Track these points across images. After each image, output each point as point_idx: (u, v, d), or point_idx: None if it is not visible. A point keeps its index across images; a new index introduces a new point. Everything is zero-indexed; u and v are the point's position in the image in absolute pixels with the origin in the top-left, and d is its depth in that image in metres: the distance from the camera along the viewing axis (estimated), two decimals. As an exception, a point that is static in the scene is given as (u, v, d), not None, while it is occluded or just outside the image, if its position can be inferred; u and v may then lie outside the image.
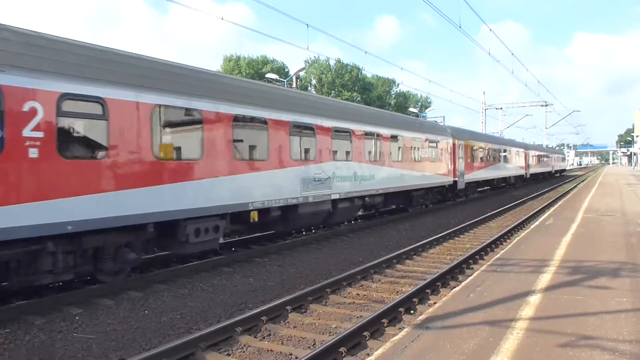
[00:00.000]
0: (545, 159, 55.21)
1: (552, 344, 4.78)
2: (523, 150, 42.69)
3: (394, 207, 20.48)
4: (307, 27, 24.50)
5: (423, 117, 54.84)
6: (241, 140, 11.06)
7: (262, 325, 6.84)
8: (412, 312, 7.46)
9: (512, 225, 16.06)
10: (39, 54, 7.37)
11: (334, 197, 14.07)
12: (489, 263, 8.98)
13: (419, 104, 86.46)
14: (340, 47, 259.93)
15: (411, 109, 68.01)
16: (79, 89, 7.70)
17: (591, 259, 8.69)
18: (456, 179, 24.35)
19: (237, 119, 10.77)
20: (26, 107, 6.98)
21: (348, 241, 14.17)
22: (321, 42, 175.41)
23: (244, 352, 6.07)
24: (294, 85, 37.98)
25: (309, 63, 71.36)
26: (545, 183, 47.51)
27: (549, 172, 58.20)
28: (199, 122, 9.90)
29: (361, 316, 7.15)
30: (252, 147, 11.50)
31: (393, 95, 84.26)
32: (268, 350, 6.06)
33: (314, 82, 73.49)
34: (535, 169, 48.06)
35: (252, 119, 11.39)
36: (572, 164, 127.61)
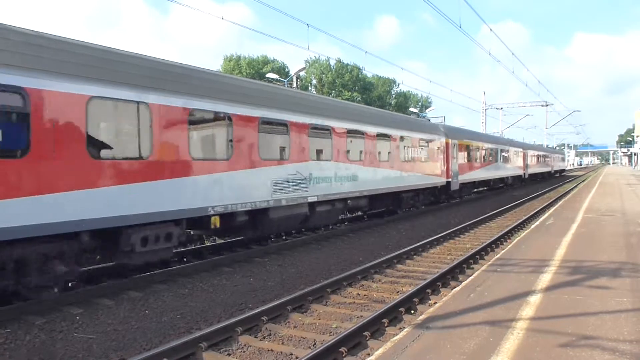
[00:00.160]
0: (544, 158, 54.64)
1: (552, 344, 4.78)
2: (521, 150, 42.03)
3: (383, 209, 19.42)
4: (307, 27, 24.44)
5: (423, 117, 54.81)
6: (199, 138, 10.06)
7: (263, 325, 6.84)
8: (412, 312, 7.46)
9: (513, 225, 16.06)
10: None
11: (311, 199, 13.09)
12: (490, 263, 8.98)
13: (420, 104, 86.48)
14: (341, 47, 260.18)
15: (411, 109, 68.01)
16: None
17: (591, 259, 8.69)
18: (449, 179, 23.39)
19: (194, 113, 9.73)
20: None
21: (348, 241, 14.17)
22: (321, 42, 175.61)
23: (244, 352, 6.07)
24: (294, 85, 38.00)
25: (309, 63, 71.43)
26: (545, 183, 47.47)
27: (549, 173, 57.67)
28: (147, 115, 8.74)
29: (362, 316, 7.15)
30: (213, 146, 10.46)
31: (393, 95, 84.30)
32: (268, 350, 6.06)
33: (314, 82, 73.52)
34: (534, 169, 47.38)
35: (214, 114, 10.32)
36: (572, 164, 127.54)
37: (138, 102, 8.57)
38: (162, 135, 9.00)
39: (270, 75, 41.55)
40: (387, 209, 19.33)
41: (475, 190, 31.61)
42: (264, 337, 6.56)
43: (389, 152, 17.64)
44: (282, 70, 63.65)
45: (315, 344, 6.20)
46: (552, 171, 60.45)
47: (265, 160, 11.46)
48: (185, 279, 9.53)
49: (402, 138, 18.70)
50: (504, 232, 14.62)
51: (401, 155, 18.60)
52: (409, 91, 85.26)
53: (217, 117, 10.41)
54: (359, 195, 15.62)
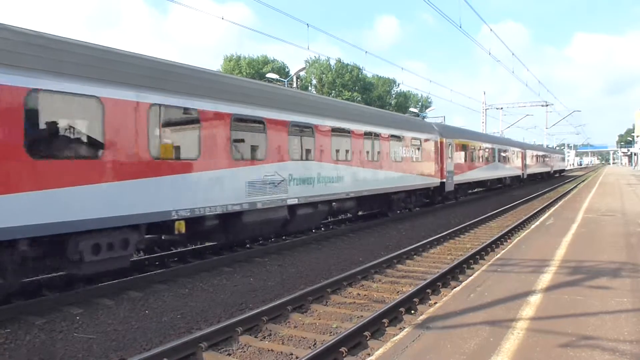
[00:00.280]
0: (543, 158, 54.03)
1: (552, 344, 4.78)
2: (520, 149, 41.31)
3: (372, 212, 18.86)
4: (307, 27, 24.45)
5: (424, 117, 54.81)
6: (161, 136, 9.18)
7: (263, 325, 6.84)
8: (412, 312, 7.46)
9: (513, 226, 16.07)
10: None
11: (291, 202, 12.26)
12: (490, 263, 8.98)
13: (420, 104, 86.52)
14: (341, 47, 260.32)
15: (412, 109, 68.04)
16: None
17: (591, 259, 8.69)
18: (444, 180, 22.57)
19: (155, 108, 8.84)
20: None
21: (348, 241, 14.17)
22: (321, 42, 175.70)
23: (244, 352, 6.07)
24: (294, 85, 37.98)
25: (309, 63, 71.45)
26: (545, 183, 47.44)
27: (548, 173, 57.07)
28: (99, 110, 7.85)
29: (362, 316, 7.15)
30: (177, 144, 9.61)
31: (393, 95, 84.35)
32: (269, 350, 6.06)
33: (314, 82, 73.55)
34: (533, 169, 46.61)
35: (178, 110, 9.47)
36: (572, 164, 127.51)
37: (86, 95, 7.70)
38: (115, 132, 8.10)
39: (270, 75, 41.57)
40: (377, 211, 18.70)
41: (472, 191, 30.92)
42: (264, 337, 6.56)
43: (377, 152, 16.88)
44: (282, 70, 63.68)
45: (315, 344, 6.20)
46: (552, 171, 59.89)
47: (238, 160, 10.70)
48: (186, 279, 9.53)
49: (392, 137, 17.91)
50: (504, 232, 14.62)
51: (391, 154, 17.82)
52: (409, 91, 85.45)
53: (183, 113, 9.61)
54: (345, 197, 14.84)
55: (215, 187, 10.11)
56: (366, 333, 6.21)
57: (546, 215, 16.76)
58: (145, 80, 8.81)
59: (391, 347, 4.83)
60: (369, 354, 5.68)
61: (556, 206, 20.06)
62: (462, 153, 25.96)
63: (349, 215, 17.82)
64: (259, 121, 11.42)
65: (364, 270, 9.80)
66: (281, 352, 5.97)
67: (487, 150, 30.81)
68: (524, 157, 41.93)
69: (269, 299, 8.16)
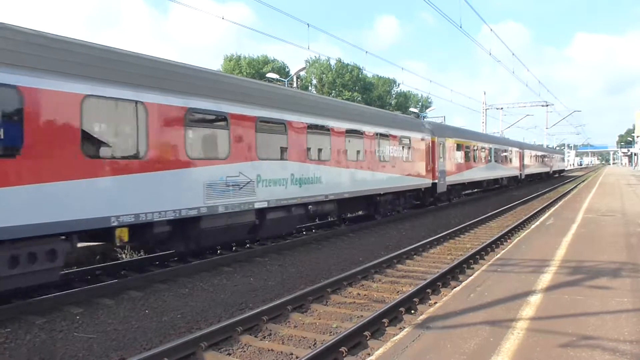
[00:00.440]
0: (542, 158, 53.18)
1: (552, 344, 4.78)
2: (518, 149, 40.30)
3: (356, 214, 18.17)
4: (307, 26, 24.37)
5: (424, 117, 54.81)
6: (98, 132, 8.09)
7: (263, 325, 6.85)
8: (412, 311, 7.46)
9: (513, 226, 16.07)
10: None
11: (259, 205, 11.25)
12: (490, 263, 8.98)
13: (420, 104, 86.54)
14: (341, 47, 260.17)
15: (412, 109, 68.06)
16: None
17: (592, 259, 8.70)
18: (435, 180, 21.56)
19: (90, 99, 7.76)
20: None
21: (348, 241, 14.18)
22: (322, 42, 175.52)
23: (244, 351, 6.08)
24: (295, 85, 37.97)
25: (309, 63, 71.45)
26: (545, 183, 47.39)
27: (547, 173, 56.19)
28: (19, 102, 6.92)
29: (362, 316, 7.15)
30: (118, 142, 8.51)
31: (394, 95, 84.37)
32: (269, 350, 6.06)
33: (314, 82, 73.57)
34: (531, 170, 45.65)
35: (120, 102, 8.32)
36: (572, 164, 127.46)
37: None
38: (37, 126, 7.07)
39: (270, 75, 41.57)
40: (362, 214, 17.97)
41: (467, 192, 29.90)
42: (265, 337, 6.56)
43: (361, 151, 15.84)
44: (282, 70, 63.69)
45: (315, 343, 6.21)
46: (551, 172, 59.16)
47: (194, 159, 9.63)
48: (186, 278, 9.53)
49: (378, 135, 16.84)
50: (504, 232, 14.62)
51: (377, 154, 16.76)
52: (409, 91, 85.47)
53: (126, 107, 8.47)
54: (324, 200, 13.78)
55: (167, 190, 9.03)
56: (366, 333, 6.21)
57: (546, 215, 16.77)
58: (84, 70, 7.82)
59: (391, 347, 4.84)
60: (369, 354, 5.68)
61: (556, 206, 20.07)
62: (456, 152, 25.06)
63: (331, 219, 16.90)
64: (222, 116, 10.39)
65: (364, 270, 9.81)
66: (281, 352, 5.97)
67: (482, 149, 29.90)
68: (521, 157, 41.04)
69: (269, 299, 8.16)
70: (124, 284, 8.82)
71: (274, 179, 11.78)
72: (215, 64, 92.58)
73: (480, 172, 29.25)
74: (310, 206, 13.42)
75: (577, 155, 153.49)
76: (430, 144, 21.48)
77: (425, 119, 42.59)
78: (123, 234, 8.52)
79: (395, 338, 5.16)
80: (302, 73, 56.19)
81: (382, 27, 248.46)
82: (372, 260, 10.79)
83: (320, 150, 13.87)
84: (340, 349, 5.69)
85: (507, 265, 8.53)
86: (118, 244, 8.90)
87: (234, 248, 12.50)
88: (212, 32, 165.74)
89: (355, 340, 6.08)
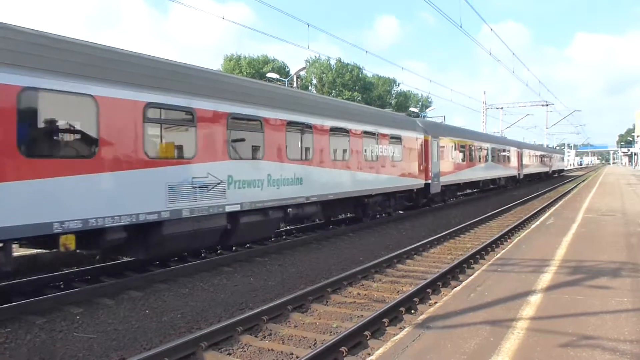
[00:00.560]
0: (541, 158, 52.49)
1: (553, 343, 4.78)
2: (516, 148, 39.34)
3: (343, 217, 17.33)
4: (307, 26, 24.36)
5: (424, 116, 54.82)
6: (38, 128, 7.41)
7: (263, 325, 6.85)
8: (413, 311, 7.46)
9: (513, 225, 16.07)
10: None
11: (231, 209, 10.41)
12: (490, 263, 8.98)
13: (420, 103, 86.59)
14: (341, 46, 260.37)
15: (412, 109, 68.07)
16: None
17: (592, 258, 8.69)
18: (429, 181, 20.69)
19: (28, 93, 7.05)
20: None
21: (349, 241, 14.17)
22: (322, 41, 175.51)
23: (244, 351, 6.08)
24: (295, 84, 37.97)
25: (309, 63, 71.49)
26: (545, 183, 47.36)
27: (546, 173, 55.49)
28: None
29: (362, 316, 7.15)
30: (63, 140, 7.95)
31: (394, 95, 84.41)
32: (269, 350, 6.06)
33: (314, 81, 73.60)
34: (530, 169, 44.79)
35: (67, 95, 7.56)
36: (572, 164, 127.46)
37: None
38: None
39: (270, 74, 41.60)
40: (349, 216, 17.22)
41: (462, 193, 29.05)
42: (265, 337, 6.56)
43: (347, 150, 15.05)
44: (282, 70, 63.74)
45: (315, 343, 6.21)
46: (550, 171, 58.56)
47: (155, 158, 8.86)
48: (186, 278, 9.53)
49: (365, 133, 15.95)
50: (504, 231, 14.62)
51: (365, 153, 15.90)
52: (409, 91, 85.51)
53: (72, 101, 7.73)
54: (305, 202, 12.96)
55: (122, 193, 8.24)
56: (366, 333, 6.21)
57: (546, 215, 16.77)
58: (17, 58, 7.06)
59: (391, 347, 4.84)
60: (369, 354, 5.68)
61: (556, 206, 20.07)
62: (451, 152, 24.18)
63: (316, 221, 16.01)
64: (188, 112, 9.61)
65: (364, 270, 9.81)
66: (281, 352, 5.97)
67: (479, 149, 29.06)
68: (520, 157, 40.29)
69: (269, 299, 8.16)
70: (124, 284, 8.81)
71: (247, 180, 10.94)
72: (215, 63, 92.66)
73: (476, 172, 28.42)
74: (289, 209, 12.52)
75: (577, 155, 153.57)
76: (423, 143, 20.77)
77: (425, 119, 42.55)
78: (69, 241, 7.68)
79: (395, 338, 5.16)
80: (302, 73, 56.19)
81: (382, 26, 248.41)
82: (373, 260, 10.79)
83: (300, 149, 13.10)
84: (340, 349, 5.69)
85: (507, 265, 8.53)
86: (63, 251, 8.09)
87: (233, 248, 12.49)
88: (212, 32, 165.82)
89: (356, 340, 6.08)
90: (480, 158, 29.23)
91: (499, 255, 9.68)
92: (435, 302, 7.15)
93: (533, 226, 13.93)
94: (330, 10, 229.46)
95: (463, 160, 26.02)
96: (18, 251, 9.18)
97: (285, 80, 40.68)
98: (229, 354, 5.99)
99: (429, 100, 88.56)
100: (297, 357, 5.77)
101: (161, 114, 9.20)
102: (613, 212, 15.87)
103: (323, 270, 10.39)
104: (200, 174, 9.68)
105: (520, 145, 41.92)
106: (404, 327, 6.13)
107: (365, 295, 8.47)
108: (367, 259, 11.29)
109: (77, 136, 8.03)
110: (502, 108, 65.04)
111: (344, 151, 15.03)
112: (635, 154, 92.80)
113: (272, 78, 38.37)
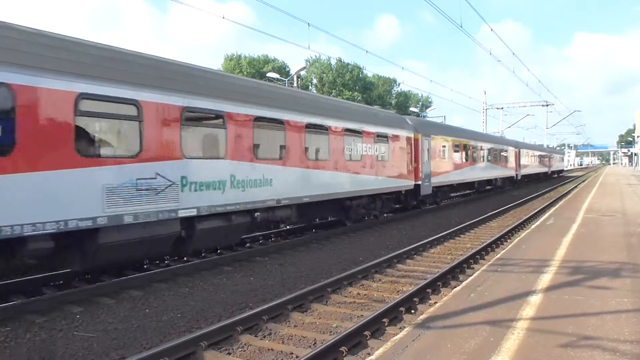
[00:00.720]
0: (540, 158, 51.72)
1: (553, 343, 4.78)
2: (513, 148, 38.37)
3: (324, 221, 16.39)
4: (308, 26, 24.39)
5: (424, 116, 54.80)
6: None
7: (263, 325, 6.85)
8: (412, 311, 7.46)
9: (513, 225, 16.07)
10: None
11: (185, 214, 9.38)
12: (490, 263, 8.98)
13: (420, 103, 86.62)
14: (341, 46, 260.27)
15: (412, 109, 68.10)
16: None
17: (592, 259, 8.69)
18: (419, 182, 19.76)
19: None
20: None
21: (349, 241, 14.17)
22: (322, 41, 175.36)
23: (244, 351, 6.08)
24: (295, 84, 37.97)
25: (310, 62, 71.48)
26: (545, 183, 47.33)
27: (545, 173, 54.75)
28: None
29: (362, 315, 7.15)
30: None
31: (394, 95, 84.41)
32: (269, 349, 6.06)
33: (315, 81, 73.61)
34: (528, 170, 43.95)
35: None
36: (572, 165, 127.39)
37: None
38: None
39: (271, 74, 41.59)
40: (331, 220, 16.28)
41: (458, 194, 28.41)
42: (265, 337, 6.56)
43: (326, 149, 14.02)
44: (282, 70, 63.77)
45: (315, 343, 6.21)
46: (549, 172, 57.86)
47: (89, 157, 7.83)
48: (186, 278, 9.54)
49: (347, 131, 14.93)
50: (504, 232, 14.62)
51: (346, 152, 14.88)
52: (409, 91, 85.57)
53: None
54: (275, 205, 11.94)
55: (46, 196, 7.23)
56: (366, 332, 6.21)
57: (546, 215, 16.77)
58: None
59: (391, 347, 4.84)
60: (369, 354, 5.68)
61: (556, 206, 20.08)
62: (443, 151, 23.21)
63: (288, 227, 14.99)
64: (132, 104, 8.52)
65: (364, 270, 9.81)
66: (281, 352, 5.97)
67: (474, 148, 28.02)
68: (517, 157, 39.46)
69: (269, 298, 8.16)
70: (124, 283, 8.82)
71: (206, 182, 9.87)
72: (215, 63, 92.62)
73: (471, 173, 27.40)
74: (257, 213, 11.52)
75: (577, 155, 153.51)
76: (413, 142, 19.74)
77: (422, 117, 42.47)
78: None
79: (395, 338, 5.16)
80: (303, 73, 56.18)
81: (383, 26, 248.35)
82: (373, 259, 10.79)
83: (271, 147, 12.06)
84: (340, 349, 5.69)
85: (507, 265, 8.53)
86: None
87: (233, 247, 12.49)
88: (213, 32, 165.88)
89: (356, 339, 6.08)
90: (475, 158, 28.36)
91: (499, 255, 9.68)
92: (435, 302, 7.15)
93: (533, 226, 13.93)
94: (331, 10, 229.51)
95: (457, 160, 25.11)
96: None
97: (286, 80, 40.69)
98: (229, 354, 5.99)
99: (429, 100, 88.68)
100: (297, 357, 5.77)
101: (97, 107, 8.04)
102: (613, 213, 15.87)
103: (323, 270, 10.39)
104: (146, 175, 8.65)
105: (517, 145, 40.94)
106: (404, 327, 6.13)
107: (365, 295, 8.47)
108: (367, 258, 11.28)
109: None
110: (502, 108, 65.05)
111: (323, 150, 13.97)
112: (635, 155, 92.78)
113: (272, 78, 38.35)
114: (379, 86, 79.93)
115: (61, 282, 8.93)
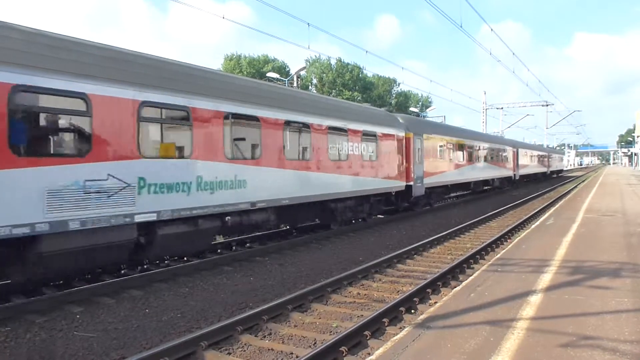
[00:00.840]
0: (539, 158, 51.11)
1: (553, 343, 4.78)
2: (511, 147, 37.66)
3: (306, 224, 15.30)
4: (308, 26, 24.43)
5: (424, 116, 54.78)
6: None
7: (263, 324, 6.85)
8: (413, 311, 7.46)
9: (513, 225, 16.07)
10: None
11: (143, 218, 8.60)
12: (490, 263, 8.99)
13: (420, 103, 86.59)
14: (341, 46, 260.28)
15: (412, 109, 68.08)
16: None
17: (592, 259, 8.69)
18: (411, 183, 18.94)
19: None
20: None
21: (349, 241, 14.17)
22: (322, 41, 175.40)
23: (244, 351, 6.08)
24: (295, 84, 37.95)
25: (310, 62, 71.45)
26: (545, 183, 47.31)
27: (544, 173, 54.19)
28: None
29: (362, 315, 7.15)
30: None
31: (394, 95, 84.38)
32: (269, 349, 6.06)
33: (314, 81, 73.59)
34: (526, 170, 43.29)
35: None
36: (572, 164, 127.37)
37: None
38: None
39: (270, 74, 41.57)
40: (314, 223, 15.44)
41: (452, 195, 27.58)
42: (265, 336, 6.56)
43: (308, 148, 13.23)
44: (282, 70, 63.72)
45: (315, 343, 6.21)
46: (549, 172, 57.30)
47: (26, 156, 7.05)
48: (186, 277, 9.54)
49: (332, 129, 14.18)
50: (504, 231, 14.62)
51: (330, 151, 14.12)
52: (409, 91, 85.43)
53: None
54: (250, 208, 11.12)
55: None
56: (366, 332, 6.21)
57: (546, 215, 16.77)
58: None
59: (391, 347, 4.84)
60: (369, 354, 5.68)
61: (556, 206, 20.07)
62: (437, 151, 22.44)
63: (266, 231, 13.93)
64: (80, 98, 7.73)
65: (364, 270, 9.81)
66: (281, 351, 5.97)
67: (470, 147, 27.18)
68: (516, 156, 38.78)
69: (269, 298, 8.16)
70: (124, 283, 8.82)
71: (168, 184, 9.06)
72: (215, 63, 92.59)
73: (467, 173, 26.52)
74: (228, 217, 10.63)
75: (577, 155, 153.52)
76: (405, 141, 18.93)
77: (425, 118, 42.42)
78: None
79: (395, 337, 5.16)
80: (303, 72, 56.14)
81: (383, 26, 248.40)
82: (373, 259, 10.79)
83: (245, 146, 11.33)
84: (340, 349, 5.69)
85: (507, 265, 8.53)
86: None
87: (233, 247, 12.49)
88: (213, 32, 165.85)
89: (356, 339, 6.08)
90: (471, 157, 27.51)
91: (499, 255, 9.68)
92: (435, 302, 7.16)
93: (533, 226, 13.93)
94: (331, 10, 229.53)
95: (451, 159, 24.29)
96: None
97: (286, 80, 40.66)
98: (229, 354, 5.99)
99: (429, 100, 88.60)
100: (297, 357, 5.77)
101: (37, 101, 7.38)
102: (613, 213, 15.86)
103: (323, 270, 10.38)
104: (96, 176, 7.85)
105: (515, 145, 40.18)
106: (404, 327, 6.13)
107: (365, 295, 8.47)
108: (367, 258, 11.28)
109: None
110: (502, 108, 65.09)
111: (304, 149, 13.18)
112: (635, 154, 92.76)
113: (272, 78, 38.34)
114: (379, 86, 79.86)
115: (61, 282, 8.93)
